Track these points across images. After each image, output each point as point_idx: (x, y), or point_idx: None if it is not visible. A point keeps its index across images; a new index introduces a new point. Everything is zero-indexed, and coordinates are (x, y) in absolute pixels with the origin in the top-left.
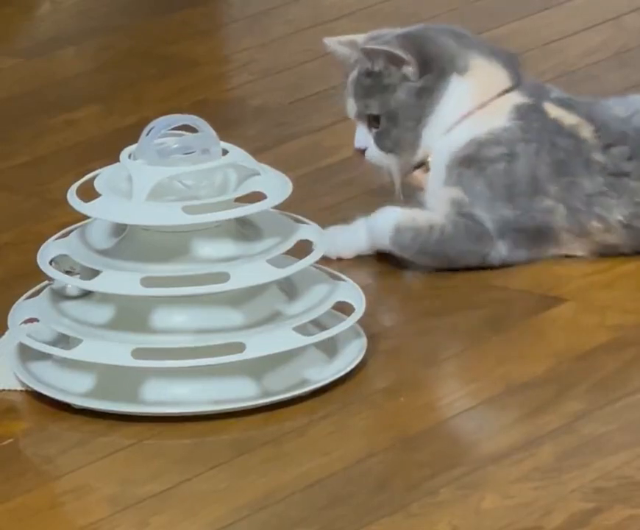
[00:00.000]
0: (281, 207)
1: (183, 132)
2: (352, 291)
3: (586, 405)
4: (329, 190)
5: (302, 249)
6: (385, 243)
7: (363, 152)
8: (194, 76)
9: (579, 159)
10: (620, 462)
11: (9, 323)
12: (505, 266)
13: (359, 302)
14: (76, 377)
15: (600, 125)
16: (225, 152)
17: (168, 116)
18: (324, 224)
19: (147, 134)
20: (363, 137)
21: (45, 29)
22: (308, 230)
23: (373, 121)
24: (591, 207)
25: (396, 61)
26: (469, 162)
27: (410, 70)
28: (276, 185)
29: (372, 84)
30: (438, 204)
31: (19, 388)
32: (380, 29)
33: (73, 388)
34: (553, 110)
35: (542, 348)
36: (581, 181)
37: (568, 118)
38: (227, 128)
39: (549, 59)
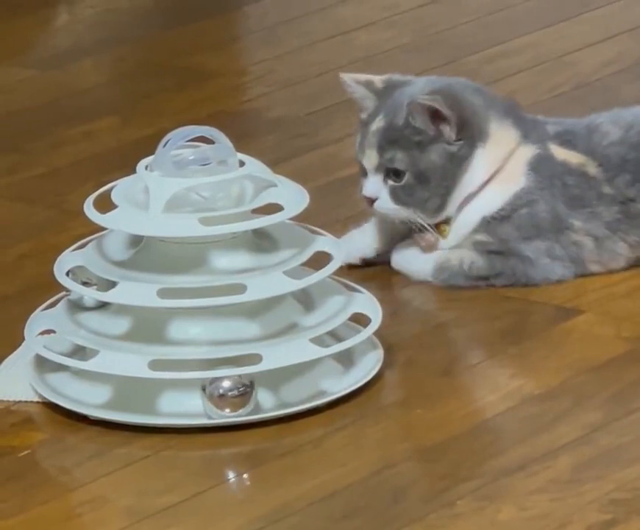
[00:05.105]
0: (298, 218)
1: (200, 144)
2: (368, 303)
3: (603, 417)
4: (346, 201)
5: (319, 260)
6: (427, 280)
7: (370, 200)
8: (211, 88)
9: (592, 192)
10: (637, 474)
11: (26, 334)
12: None
13: (375, 314)
14: (92, 388)
15: (602, 159)
16: (242, 164)
17: (185, 128)
18: (340, 235)
19: (164, 145)
20: (375, 187)
21: (62, 41)
22: (325, 242)
23: (393, 174)
24: (615, 232)
25: (439, 119)
26: (496, 224)
27: (447, 130)
28: (293, 197)
29: (402, 138)
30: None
31: (36, 399)
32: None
33: (89, 399)
34: (560, 153)
35: (558, 360)
36: (599, 211)
37: (574, 158)
38: (244, 139)
39: (565, 71)
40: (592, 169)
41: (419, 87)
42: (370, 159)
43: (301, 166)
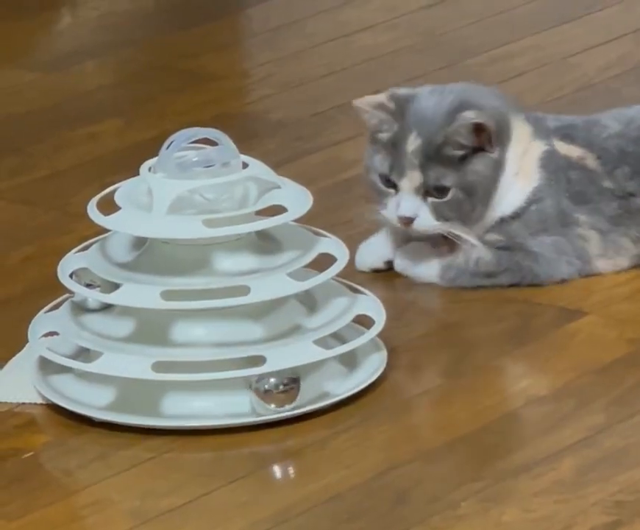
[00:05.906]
0: (301, 220)
1: (203, 146)
2: (372, 304)
3: (606, 419)
4: (349, 203)
5: (322, 262)
6: (432, 282)
7: (407, 221)
8: (214, 90)
9: (593, 187)
10: None
11: (30, 336)
12: None
13: (379, 315)
14: (96, 390)
15: (601, 152)
16: (245, 165)
17: (189, 129)
18: (344, 237)
19: (167, 147)
20: (414, 206)
21: (65, 43)
22: (328, 243)
23: (435, 191)
24: (618, 226)
25: (480, 131)
26: (508, 222)
27: (487, 140)
28: (296, 199)
29: (444, 155)
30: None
31: (39, 401)
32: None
33: (93, 401)
34: (562, 147)
35: (562, 361)
36: (601, 206)
37: (575, 152)
38: (247, 141)
39: (568, 73)
40: (591, 162)
41: (443, 101)
42: (412, 180)
43: (305, 168)
